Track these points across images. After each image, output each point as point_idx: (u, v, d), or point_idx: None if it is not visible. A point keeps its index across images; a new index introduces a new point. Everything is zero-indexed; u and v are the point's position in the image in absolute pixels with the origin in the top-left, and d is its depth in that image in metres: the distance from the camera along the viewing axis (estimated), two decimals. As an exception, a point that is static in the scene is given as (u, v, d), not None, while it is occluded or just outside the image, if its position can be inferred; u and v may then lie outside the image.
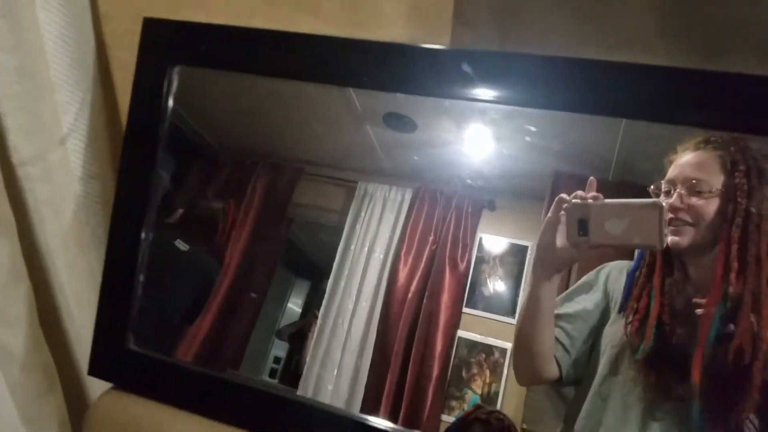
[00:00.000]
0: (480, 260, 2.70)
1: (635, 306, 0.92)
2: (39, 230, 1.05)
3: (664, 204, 0.74)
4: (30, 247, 1.08)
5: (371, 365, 2.41)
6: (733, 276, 0.85)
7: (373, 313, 2.51)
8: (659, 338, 0.87)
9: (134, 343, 0.72)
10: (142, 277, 0.74)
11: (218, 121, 2.99)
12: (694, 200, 0.91)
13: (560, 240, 0.81)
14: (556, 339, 0.92)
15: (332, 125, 2.71)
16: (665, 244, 0.73)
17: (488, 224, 2.74)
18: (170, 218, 2.20)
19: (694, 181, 0.93)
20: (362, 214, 2.74)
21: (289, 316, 3.90)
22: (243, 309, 2.70)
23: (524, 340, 0.93)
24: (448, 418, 2.28)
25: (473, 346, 2.45)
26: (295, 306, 4.02)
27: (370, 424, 0.60)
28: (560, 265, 0.87)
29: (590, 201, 0.78)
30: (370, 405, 2.35)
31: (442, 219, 2.62)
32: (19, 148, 1.06)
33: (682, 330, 0.88)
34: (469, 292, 2.56)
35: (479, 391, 2.43)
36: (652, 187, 0.98)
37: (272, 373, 3.79)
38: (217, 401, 0.59)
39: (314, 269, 3.88)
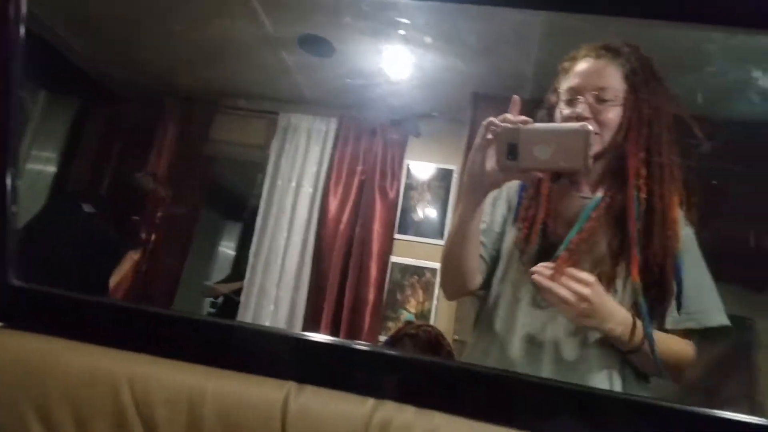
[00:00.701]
0: (409, 187, 2.72)
1: (525, 215, 0.97)
2: None
3: (589, 128, 0.75)
4: None
5: (308, 297, 2.43)
6: (642, 182, 0.90)
7: (306, 247, 2.50)
8: (543, 241, 0.94)
9: (16, 278, 0.66)
10: (14, 209, 0.67)
11: (112, 51, 2.75)
12: (600, 109, 0.91)
13: (489, 164, 0.80)
14: None
15: (245, 52, 2.56)
16: (589, 168, 0.76)
17: (414, 151, 2.74)
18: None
19: (599, 91, 0.92)
20: (287, 147, 2.67)
21: (222, 260, 3.85)
22: (167, 260, 2.62)
23: (454, 259, 0.94)
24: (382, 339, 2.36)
25: (406, 269, 2.51)
26: (227, 249, 3.96)
27: (311, 339, 0.59)
28: (489, 188, 0.87)
29: (520, 126, 0.78)
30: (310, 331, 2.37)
31: (369, 148, 2.59)
32: None
33: (564, 231, 0.94)
34: (399, 219, 2.59)
35: (413, 311, 2.52)
36: (554, 96, 0.98)
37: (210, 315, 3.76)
38: (110, 328, 0.56)
39: (244, 209, 3.81)
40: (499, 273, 0.99)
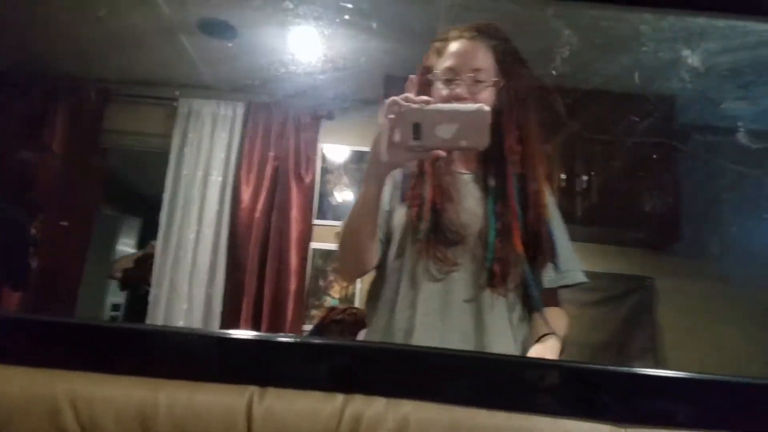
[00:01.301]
0: (325, 171, 2.68)
1: (413, 193, 1.01)
2: None
3: (487, 109, 0.80)
4: None
5: (225, 291, 2.33)
6: (517, 159, 0.99)
7: (219, 240, 2.39)
8: (433, 216, 0.98)
9: None
10: None
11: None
12: (476, 90, 0.97)
13: (394, 143, 0.82)
14: None
15: (140, 36, 2.37)
16: (487, 145, 0.80)
17: (328, 134, 2.70)
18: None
19: (474, 72, 0.97)
20: (190, 134, 2.52)
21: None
22: (65, 259, 2.40)
23: (356, 239, 0.97)
24: (309, 328, 2.32)
25: (327, 254, 2.48)
26: (127, 247, 3.71)
27: (233, 336, 0.55)
28: (393, 168, 0.89)
29: (423, 106, 0.81)
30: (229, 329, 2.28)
31: (281, 132, 2.51)
32: None
33: (448, 206, 1.00)
34: (318, 204, 2.55)
35: (337, 296, 2.50)
36: (427, 73, 1.01)
37: (112, 321, 3.53)
38: (40, 346, 0.49)
39: (144, 203, 3.57)
40: (393, 250, 1.02)
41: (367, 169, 0.91)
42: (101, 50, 2.38)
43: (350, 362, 0.63)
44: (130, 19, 2.25)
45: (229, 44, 2.31)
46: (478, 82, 0.97)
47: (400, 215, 1.03)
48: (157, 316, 2.32)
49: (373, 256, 0.99)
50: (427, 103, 0.81)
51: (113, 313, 3.52)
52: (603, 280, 2.16)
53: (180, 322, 2.32)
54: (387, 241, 1.03)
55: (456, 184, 1.02)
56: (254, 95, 2.55)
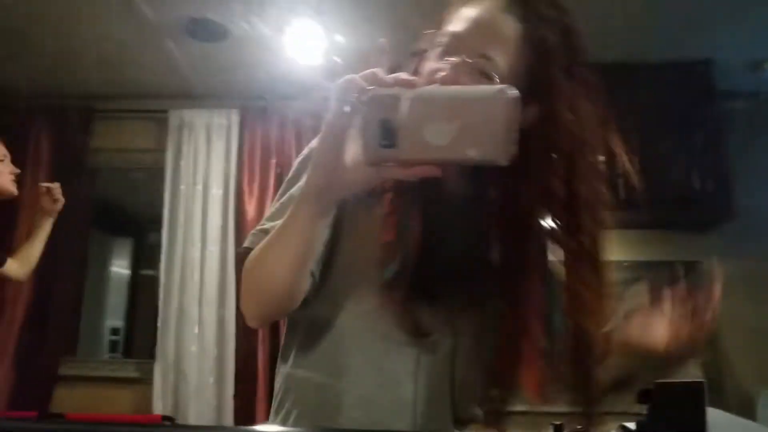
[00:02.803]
0: (330, 174, 2.55)
1: (388, 215, 0.67)
2: None
3: (513, 93, 0.47)
4: None
5: (237, 311, 2.22)
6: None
7: (226, 257, 2.27)
8: (419, 250, 0.65)
9: None
10: None
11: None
12: (475, 80, 0.62)
13: (350, 152, 0.51)
14: None
15: (124, 46, 2.21)
16: (512, 157, 0.48)
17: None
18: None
19: (482, 59, 0.62)
20: (184, 147, 2.40)
21: (117, 282, 3.47)
22: (62, 290, 2.27)
23: (274, 281, 0.65)
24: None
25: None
26: (120, 269, 3.58)
27: None
28: (346, 193, 0.58)
29: (401, 90, 0.48)
30: (245, 354, 2.19)
31: (281, 138, 2.40)
32: None
33: (442, 236, 0.67)
34: (325, 210, 2.43)
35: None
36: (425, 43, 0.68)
37: (113, 347, 3.40)
38: None
39: (135, 223, 3.44)
40: (332, 288, 0.70)
41: (303, 196, 0.59)
42: (83, 64, 2.24)
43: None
44: (112, 28, 2.12)
45: (220, 46, 2.19)
46: (482, 73, 0.62)
47: (360, 238, 0.69)
48: (167, 343, 2.21)
49: (293, 304, 0.67)
50: (411, 85, 0.49)
51: (113, 338, 3.38)
52: (651, 269, 2.06)
53: (192, 348, 2.22)
54: (324, 276, 0.69)
55: (450, 208, 0.70)
56: (250, 100, 2.43)
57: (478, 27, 0.64)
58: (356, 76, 0.50)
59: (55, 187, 1.65)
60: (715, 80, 2.07)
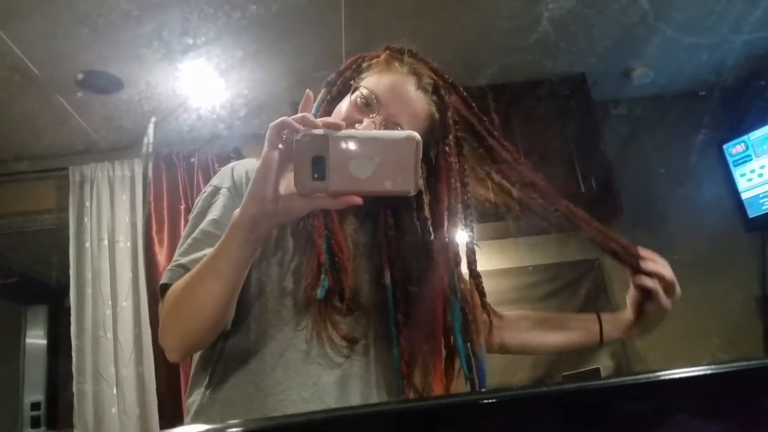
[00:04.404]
0: (242, 214, 2.56)
1: (307, 245, 0.76)
2: None
3: (419, 138, 0.59)
4: None
5: (157, 366, 2.16)
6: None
7: (139, 311, 2.22)
8: (338, 276, 0.73)
9: None
10: None
11: None
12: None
13: (285, 185, 0.60)
14: None
15: (13, 107, 2.17)
16: (418, 189, 0.60)
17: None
18: None
19: (394, 124, 0.75)
20: (87, 203, 2.35)
21: (33, 353, 3.30)
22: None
23: (206, 309, 0.68)
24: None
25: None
26: (36, 339, 3.41)
27: None
28: (281, 221, 0.65)
29: (329, 131, 0.58)
30: (170, 410, 2.13)
31: (189, 182, 2.39)
32: None
33: (368, 262, 0.78)
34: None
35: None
36: (351, 81, 0.80)
37: (35, 422, 3.21)
38: None
39: (46, 288, 3.30)
40: (256, 311, 0.75)
41: (236, 225, 0.64)
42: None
43: None
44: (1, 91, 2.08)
45: (116, 96, 2.19)
46: (396, 124, 0.75)
47: (280, 264, 0.77)
48: (85, 408, 2.13)
49: (214, 335, 0.72)
50: (337, 127, 0.59)
51: (33, 413, 3.18)
52: (551, 270, 2.18)
53: (113, 410, 2.14)
54: (245, 298, 0.74)
55: (362, 235, 0.81)
56: (150, 148, 2.42)
57: (397, 98, 0.77)
58: (289, 119, 0.59)
59: None
60: (590, 91, 2.25)
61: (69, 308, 2.22)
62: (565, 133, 2.07)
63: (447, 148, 0.78)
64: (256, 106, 2.26)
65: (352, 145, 0.59)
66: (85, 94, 2.17)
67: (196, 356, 0.81)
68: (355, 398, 0.78)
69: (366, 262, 0.81)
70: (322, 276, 0.74)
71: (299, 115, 0.60)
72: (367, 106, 0.76)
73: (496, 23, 1.96)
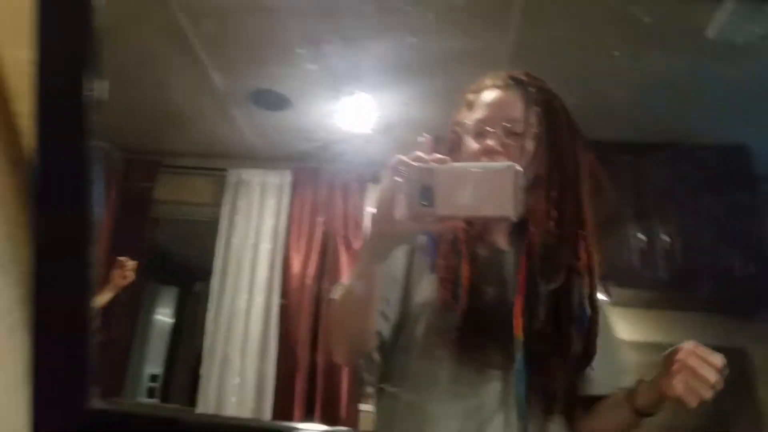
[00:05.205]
0: (373, 235, 2.73)
1: (444, 265, 0.86)
2: None
3: (518, 168, 0.67)
4: None
5: (277, 364, 2.35)
6: (552, 224, 0.86)
7: (270, 308, 2.43)
8: (473, 300, 0.83)
9: (99, 397, 0.60)
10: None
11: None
12: (510, 142, 0.86)
13: (399, 211, 0.69)
14: None
15: (192, 110, 2.51)
16: (518, 214, 0.67)
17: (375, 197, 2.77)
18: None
19: (510, 122, 0.86)
20: (239, 203, 2.62)
21: (159, 330, 3.65)
22: (115, 334, 2.46)
23: (351, 322, 0.83)
24: (366, 408, 2.28)
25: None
26: (164, 317, 3.76)
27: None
28: (398, 241, 0.77)
29: (435, 165, 0.69)
30: (282, 407, 2.29)
31: (329, 198, 2.60)
32: None
33: (492, 287, 0.85)
34: (367, 270, 2.59)
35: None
36: (458, 127, 0.91)
37: (150, 393, 3.53)
38: None
39: (183, 273, 3.64)
40: (409, 334, 0.87)
41: (365, 241, 0.78)
42: (155, 122, 2.52)
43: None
44: (184, 93, 2.39)
45: (281, 114, 2.43)
46: (513, 134, 0.86)
47: (424, 292, 0.87)
48: (209, 391, 2.34)
49: (368, 341, 0.84)
50: (443, 162, 0.69)
51: (151, 384, 3.52)
52: None
53: (232, 399, 2.33)
54: (399, 323, 0.87)
55: (497, 262, 0.88)
56: (302, 162, 2.65)
57: (498, 105, 0.88)
58: (403, 157, 0.70)
59: (131, 265, 1.74)
60: (752, 165, 2.16)
61: (197, 293, 2.47)
62: (722, 206, 2.02)
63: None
64: (402, 140, 2.41)
65: (454, 176, 0.69)
66: (254, 109, 2.43)
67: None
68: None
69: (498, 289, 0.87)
70: (465, 294, 0.83)
71: (413, 153, 0.71)
72: (479, 135, 0.87)
73: (667, 77, 1.96)
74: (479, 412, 0.81)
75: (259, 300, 2.45)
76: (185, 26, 2.08)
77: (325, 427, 2.26)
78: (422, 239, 0.89)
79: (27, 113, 0.69)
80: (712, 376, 0.76)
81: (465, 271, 0.84)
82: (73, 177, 0.73)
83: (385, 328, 0.85)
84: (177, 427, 0.61)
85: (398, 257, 0.88)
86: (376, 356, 0.88)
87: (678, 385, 0.76)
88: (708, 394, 0.75)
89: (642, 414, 0.83)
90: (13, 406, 0.70)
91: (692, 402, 0.75)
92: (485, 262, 0.87)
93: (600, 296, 0.87)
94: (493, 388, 0.82)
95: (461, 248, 0.85)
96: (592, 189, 0.89)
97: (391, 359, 0.87)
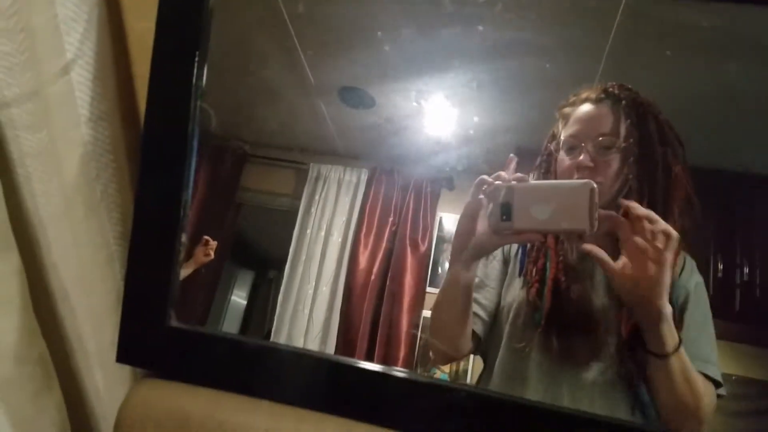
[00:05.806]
0: (441, 240, 2.80)
1: (533, 268, 0.95)
2: (26, 192, 0.84)
3: (594, 185, 0.73)
4: (17, 214, 0.86)
5: (336, 350, 2.46)
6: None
7: (334, 298, 2.55)
8: (556, 297, 0.91)
9: (176, 319, 0.70)
10: (184, 238, 0.73)
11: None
12: (602, 158, 0.91)
13: (481, 225, 0.80)
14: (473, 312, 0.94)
15: (281, 101, 2.68)
16: (595, 228, 0.73)
17: (448, 203, 2.84)
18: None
19: (601, 138, 0.91)
20: (316, 196, 2.76)
21: (234, 310, 3.86)
22: (191, 310, 2.65)
23: (445, 326, 0.93)
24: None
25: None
26: (239, 299, 3.98)
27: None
28: (481, 253, 0.87)
29: (514, 183, 0.77)
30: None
31: (401, 199, 2.69)
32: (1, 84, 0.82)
33: (578, 287, 0.92)
34: (431, 272, 2.66)
35: (447, 370, 2.54)
36: (554, 143, 0.96)
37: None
38: (284, 382, 0.61)
39: (261, 258, 3.85)
40: (501, 333, 0.96)
41: (452, 252, 0.88)
42: (244, 113, 2.70)
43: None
44: (274, 85, 2.55)
45: (365, 112, 2.55)
46: (605, 148, 0.90)
47: (514, 294, 0.98)
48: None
49: (464, 344, 0.94)
50: (520, 180, 0.78)
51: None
52: (757, 387, 1.98)
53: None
54: (493, 323, 0.97)
55: (587, 265, 0.94)
56: (379, 162, 2.75)
57: (589, 119, 0.94)
58: (486, 177, 0.80)
59: (213, 244, 1.92)
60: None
61: (270, 279, 2.62)
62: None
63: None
64: (481, 148, 2.46)
65: (533, 193, 0.76)
66: (341, 106, 2.56)
67: None
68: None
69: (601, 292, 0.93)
70: (549, 293, 0.92)
71: (495, 173, 0.79)
72: (570, 150, 0.93)
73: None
74: (562, 384, 0.89)
75: (325, 289, 2.57)
76: (285, 14, 2.23)
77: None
78: (515, 249, 0.99)
79: (141, 75, 0.82)
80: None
81: (551, 272, 0.92)
82: (176, 141, 0.84)
83: (483, 330, 0.96)
84: (246, 347, 0.71)
85: (494, 267, 0.99)
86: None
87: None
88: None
89: (654, 353, 0.85)
90: (108, 325, 0.83)
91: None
92: (573, 265, 0.94)
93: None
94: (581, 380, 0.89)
95: (550, 253, 0.93)
96: (683, 202, 0.91)
97: (485, 358, 0.97)
